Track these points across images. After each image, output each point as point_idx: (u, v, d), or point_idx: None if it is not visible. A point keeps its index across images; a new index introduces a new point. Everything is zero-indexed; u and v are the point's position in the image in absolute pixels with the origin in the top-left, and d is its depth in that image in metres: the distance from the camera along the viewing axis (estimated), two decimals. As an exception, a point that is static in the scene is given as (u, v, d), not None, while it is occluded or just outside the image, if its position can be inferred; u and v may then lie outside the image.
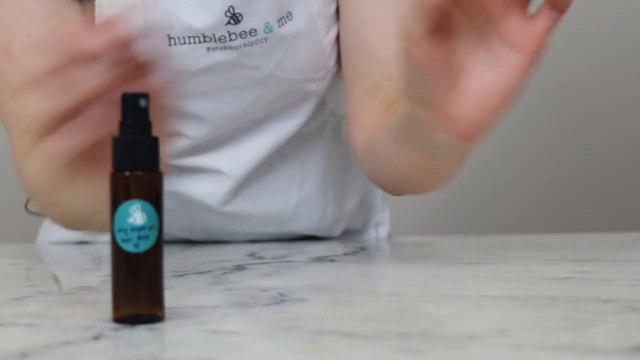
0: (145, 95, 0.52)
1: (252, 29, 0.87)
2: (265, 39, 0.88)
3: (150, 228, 0.52)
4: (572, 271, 0.72)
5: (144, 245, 0.52)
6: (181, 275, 0.75)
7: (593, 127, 1.73)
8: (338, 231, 1.05)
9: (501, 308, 0.56)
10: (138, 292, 0.52)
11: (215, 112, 0.91)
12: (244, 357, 0.45)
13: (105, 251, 0.98)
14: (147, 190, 0.52)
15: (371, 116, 0.88)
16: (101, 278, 0.79)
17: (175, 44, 0.86)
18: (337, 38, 0.93)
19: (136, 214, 0.51)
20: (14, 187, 0.88)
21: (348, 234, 1.07)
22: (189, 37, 0.86)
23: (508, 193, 1.75)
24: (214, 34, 0.86)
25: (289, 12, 0.89)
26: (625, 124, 1.73)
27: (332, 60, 0.93)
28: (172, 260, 0.89)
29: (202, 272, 0.76)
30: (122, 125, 0.52)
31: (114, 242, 0.52)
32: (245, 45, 0.87)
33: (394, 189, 0.89)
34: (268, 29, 0.88)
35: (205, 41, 0.87)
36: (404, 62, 0.63)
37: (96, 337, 0.50)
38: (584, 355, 0.43)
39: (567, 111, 1.73)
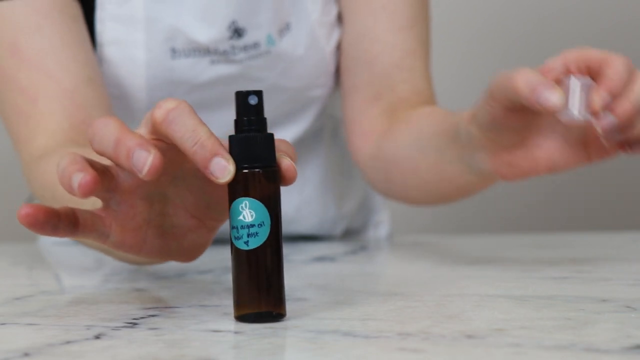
0: (257, 93, 0.52)
1: (255, 42, 0.87)
2: (268, 52, 0.88)
3: (260, 225, 0.51)
4: (571, 270, 0.72)
5: (254, 243, 0.51)
6: (182, 275, 0.75)
7: (593, 127, 1.73)
8: (338, 231, 1.05)
9: (500, 307, 0.56)
10: (253, 290, 0.52)
11: (218, 122, 0.91)
12: (244, 356, 0.45)
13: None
14: (256, 187, 0.51)
15: (373, 123, 0.89)
16: (102, 278, 0.79)
17: (179, 57, 0.87)
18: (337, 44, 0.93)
19: (245, 211, 0.51)
20: (14, 187, 0.88)
21: (348, 234, 1.08)
22: (192, 50, 0.87)
23: (508, 193, 1.75)
24: (217, 48, 0.87)
25: (287, 23, 0.89)
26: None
27: (332, 66, 0.93)
28: (173, 260, 0.89)
29: (202, 272, 0.77)
30: (237, 123, 0.52)
31: (230, 239, 0.52)
32: (248, 58, 0.88)
33: (403, 197, 0.89)
34: (270, 41, 0.88)
35: (209, 54, 0.87)
36: (485, 110, 0.67)
37: (97, 337, 0.50)
38: (583, 354, 0.44)
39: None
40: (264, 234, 0.51)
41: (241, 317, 0.52)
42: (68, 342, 0.49)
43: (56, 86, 0.79)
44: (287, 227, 1.01)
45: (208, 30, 0.86)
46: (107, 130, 0.51)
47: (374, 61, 0.89)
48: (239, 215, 0.51)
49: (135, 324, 0.53)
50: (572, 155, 0.67)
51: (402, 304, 0.58)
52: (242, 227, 0.51)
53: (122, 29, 0.86)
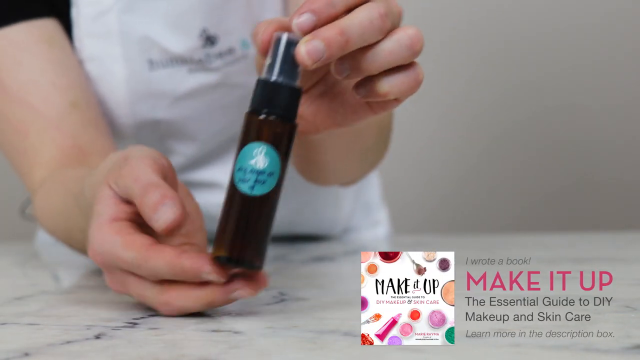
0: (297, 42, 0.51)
1: (229, 48, 0.86)
2: (245, 56, 0.87)
3: (270, 174, 0.51)
4: (571, 270, 0.72)
5: (259, 190, 0.51)
6: (182, 275, 0.75)
7: (593, 127, 1.73)
8: (337, 230, 1.05)
9: (500, 307, 0.56)
10: (241, 234, 0.51)
11: (205, 131, 0.91)
12: (244, 356, 0.45)
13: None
14: (277, 137, 0.51)
15: None
16: (102, 278, 0.79)
17: (157, 68, 0.86)
18: None
19: (259, 157, 0.50)
20: (14, 187, 0.89)
21: (347, 233, 1.08)
22: (169, 60, 0.86)
23: (508, 193, 1.75)
24: (192, 57, 0.86)
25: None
26: (624, 124, 1.74)
27: None
28: (173, 259, 0.89)
29: (202, 272, 0.76)
30: (270, 66, 0.51)
31: (231, 180, 0.51)
32: (225, 65, 0.87)
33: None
34: (245, 45, 0.87)
35: (186, 63, 0.86)
36: None
37: (97, 337, 0.50)
38: (583, 354, 0.44)
39: (567, 110, 1.74)
40: (270, 184, 0.51)
41: (218, 258, 0.52)
42: (68, 342, 0.49)
43: (42, 118, 0.81)
44: (286, 228, 1.01)
45: (180, 40, 0.85)
46: None
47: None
48: (251, 159, 0.51)
49: (135, 324, 0.53)
50: (330, 114, 0.58)
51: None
52: (252, 171, 0.51)
53: (99, 45, 0.86)
